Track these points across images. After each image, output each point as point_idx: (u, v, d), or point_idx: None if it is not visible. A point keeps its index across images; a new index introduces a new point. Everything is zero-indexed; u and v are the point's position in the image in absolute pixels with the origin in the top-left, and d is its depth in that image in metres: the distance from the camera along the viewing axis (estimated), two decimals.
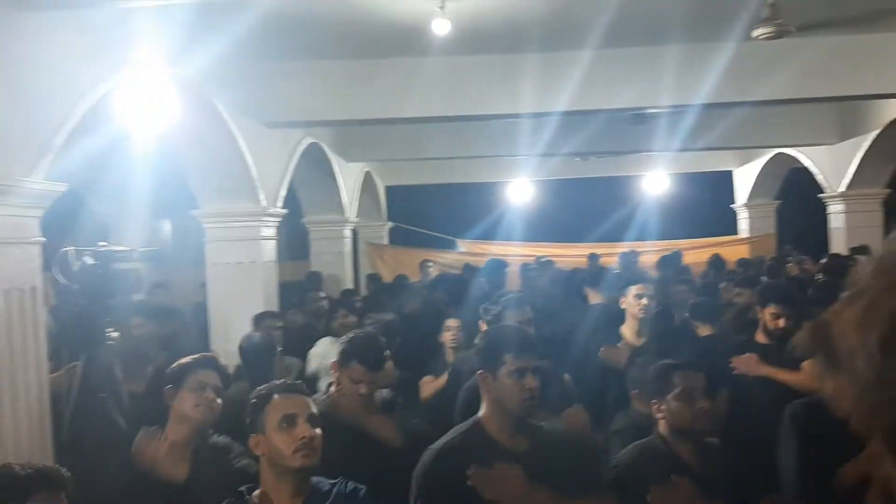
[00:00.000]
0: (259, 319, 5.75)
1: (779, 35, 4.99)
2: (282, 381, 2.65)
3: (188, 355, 3.26)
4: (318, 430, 2.45)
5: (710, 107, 7.27)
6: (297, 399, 2.50)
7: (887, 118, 8.45)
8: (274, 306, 7.14)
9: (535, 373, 2.51)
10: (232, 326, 6.31)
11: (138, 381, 4.00)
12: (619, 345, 4.55)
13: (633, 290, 4.67)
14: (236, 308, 6.43)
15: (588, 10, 5.58)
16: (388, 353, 3.70)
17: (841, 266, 7.25)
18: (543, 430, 2.63)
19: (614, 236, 12.81)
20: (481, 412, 2.59)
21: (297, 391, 2.56)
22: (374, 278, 10.15)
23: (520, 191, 13.49)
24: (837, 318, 0.41)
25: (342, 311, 6.13)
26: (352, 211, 10.30)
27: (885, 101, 8.29)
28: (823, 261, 8.17)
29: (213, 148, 6.42)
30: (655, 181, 13.56)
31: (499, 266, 8.08)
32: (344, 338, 3.41)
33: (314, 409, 2.51)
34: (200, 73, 5.61)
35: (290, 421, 2.41)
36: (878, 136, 8.77)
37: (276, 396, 2.48)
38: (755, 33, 5.05)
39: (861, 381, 0.40)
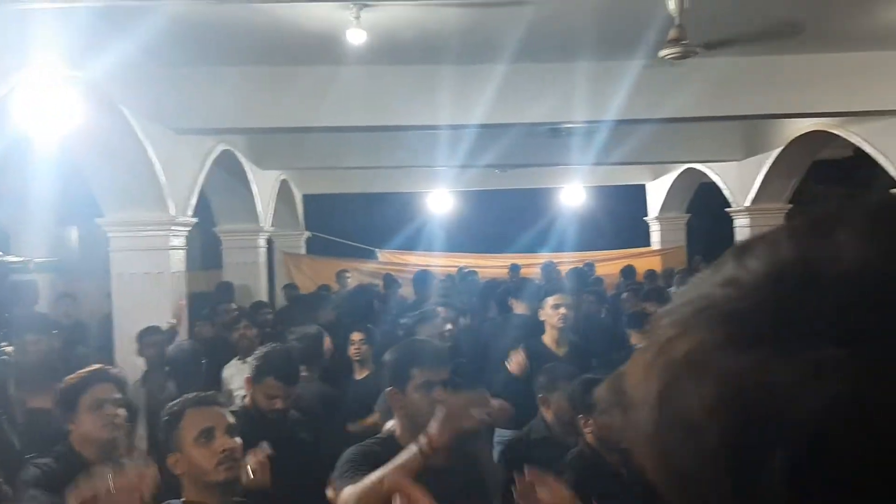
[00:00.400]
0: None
1: (684, 56, 5.14)
2: (193, 394, 2.54)
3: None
4: (239, 440, 2.38)
5: (622, 122, 7.46)
6: (211, 411, 2.41)
7: (789, 136, 8.83)
8: (183, 318, 6.95)
9: (444, 385, 2.49)
10: None
11: (43, 396, 3.81)
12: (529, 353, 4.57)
13: (551, 300, 4.71)
14: (143, 320, 6.21)
15: (502, 25, 5.65)
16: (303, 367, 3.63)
17: None
18: (461, 440, 2.61)
19: (534, 247, 13.01)
20: (396, 429, 2.55)
21: (210, 403, 2.47)
22: (290, 289, 9.99)
23: (440, 201, 13.53)
24: (630, 369, 0.41)
25: (244, 323, 6.00)
26: (267, 220, 10.12)
27: (787, 120, 8.66)
28: None
29: (118, 154, 6.20)
30: (572, 193, 13.82)
31: (426, 278, 8.08)
32: (258, 352, 3.35)
33: (231, 419, 2.43)
34: (106, 76, 5.43)
35: (207, 435, 2.33)
36: (781, 153, 9.16)
37: (189, 411, 2.39)
38: (662, 53, 5.20)
39: (641, 433, 0.40)
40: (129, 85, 5.85)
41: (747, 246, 0.42)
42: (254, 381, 3.18)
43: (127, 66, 5.48)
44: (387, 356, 2.67)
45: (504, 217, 14.04)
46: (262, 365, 3.18)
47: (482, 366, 4.72)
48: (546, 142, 9.36)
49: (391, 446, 2.45)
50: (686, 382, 0.38)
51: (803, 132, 8.47)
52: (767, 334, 0.36)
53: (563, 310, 4.64)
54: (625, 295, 7.67)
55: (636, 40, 5.68)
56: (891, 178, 7.31)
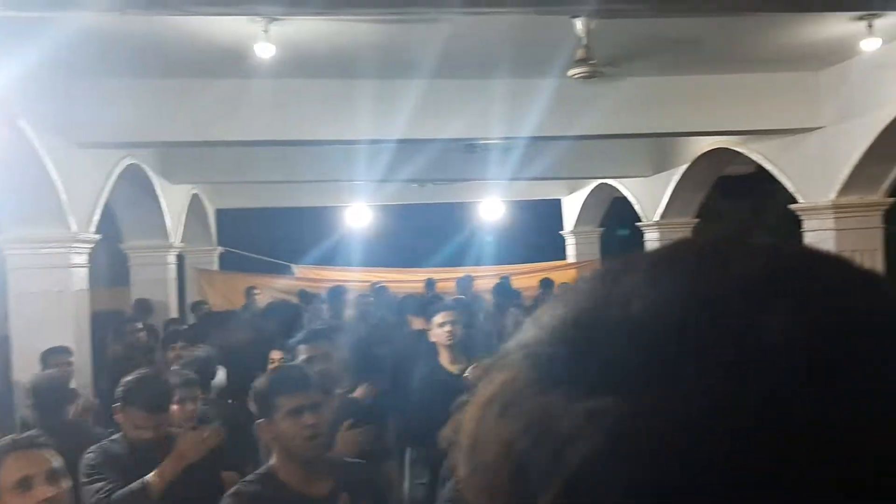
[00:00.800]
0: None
1: (591, 75, 5.27)
2: (10, 437, 2.40)
3: None
4: (65, 485, 2.26)
5: (537, 139, 7.58)
6: (32, 456, 2.28)
7: (694, 153, 9.14)
8: (85, 337, 6.67)
9: (313, 410, 2.42)
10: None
11: None
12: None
13: (437, 318, 4.50)
14: (43, 340, 5.93)
15: (417, 41, 5.67)
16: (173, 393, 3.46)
17: None
18: (348, 467, 2.57)
19: (452, 261, 13.05)
20: (272, 460, 2.47)
21: (33, 446, 2.32)
22: (199, 306, 9.72)
23: (358, 215, 13.44)
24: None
25: (181, 343, 5.85)
26: (177, 235, 9.84)
27: (693, 138, 8.97)
28: None
29: (15, 168, 5.92)
30: (491, 208, 13.95)
31: (339, 293, 7.97)
32: (123, 380, 3.19)
33: (55, 464, 2.29)
34: (2, 88, 5.18)
35: (24, 484, 2.21)
36: (687, 169, 9.48)
37: (9, 456, 2.26)
38: (570, 72, 5.32)
39: (461, 471, 0.41)
40: (28, 97, 5.61)
41: (563, 290, 0.43)
42: (119, 409, 3.05)
43: (27, 78, 5.26)
44: (252, 387, 2.61)
45: (423, 231, 14.06)
46: (125, 392, 3.05)
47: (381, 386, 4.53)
48: (463, 157, 9.43)
49: (271, 484, 2.38)
50: (491, 421, 0.39)
51: (708, 149, 8.79)
52: (562, 379, 0.37)
53: (449, 327, 4.42)
54: (511, 310, 7.82)
55: (549, 59, 5.79)
56: (788, 192, 7.64)
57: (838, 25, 5.67)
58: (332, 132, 6.96)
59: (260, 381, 2.58)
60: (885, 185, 6.93)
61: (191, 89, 6.42)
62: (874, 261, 7.07)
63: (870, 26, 5.53)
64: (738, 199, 13.29)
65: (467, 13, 4.43)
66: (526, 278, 11.80)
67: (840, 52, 6.29)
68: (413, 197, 12.75)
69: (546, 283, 10.44)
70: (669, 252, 0.41)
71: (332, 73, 6.48)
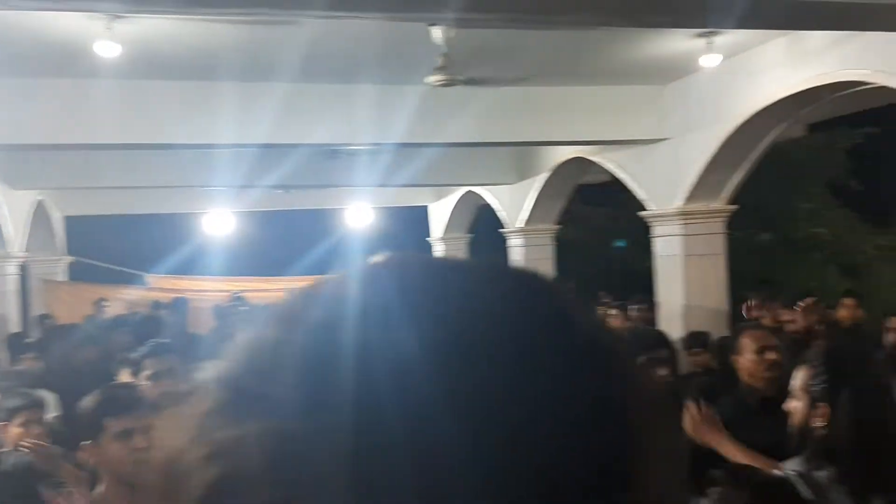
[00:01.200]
0: None
1: (450, 83, 5.31)
2: None
3: None
4: None
5: (403, 146, 7.58)
6: None
7: (555, 162, 9.42)
8: None
9: (143, 432, 2.28)
10: None
11: None
12: None
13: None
14: None
15: (277, 44, 5.53)
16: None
17: None
18: None
19: (319, 269, 12.84)
20: (100, 488, 2.32)
21: None
22: (44, 319, 9.10)
23: (219, 222, 12.98)
24: None
25: (32, 355, 5.51)
26: (19, 244, 9.17)
27: (552, 147, 9.25)
28: None
29: None
30: (358, 214, 13.86)
31: (181, 304, 7.64)
32: None
33: None
34: None
35: None
36: (549, 178, 9.76)
37: None
38: (428, 80, 5.34)
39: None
40: None
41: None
42: None
43: None
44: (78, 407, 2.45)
45: (288, 238, 13.77)
46: None
47: None
48: (329, 163, 9.31)
49: None
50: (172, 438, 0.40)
51: (566, 158, 9.08)
52: (221, 407, 0.38)
53: None
54: None
55: (413, 66, 5.79)
56: (639, 201, 8.00)
57: (680, 42, 5.99)
58: (189, 136, 6.68)
59: (86, 401, 2.40)
60: (727, 192, 7.37)
61: (32, 89, 6.00)
62: (717, 264, 7.52)
63: (709, 43, 5.88)
64: (597, 205, 13.83)
65: (320, 16, 4.35)
66: None
67: (683, 68, 6.64)
68: (278, 203, 12.46)
69: None
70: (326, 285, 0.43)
71: (189, 75, 6.22)
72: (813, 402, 2.07)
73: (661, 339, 3.74)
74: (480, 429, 0.35)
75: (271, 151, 7.90)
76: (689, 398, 4.60)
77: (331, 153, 8.97)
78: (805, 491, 1.84)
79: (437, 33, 5.00)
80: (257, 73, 6.18)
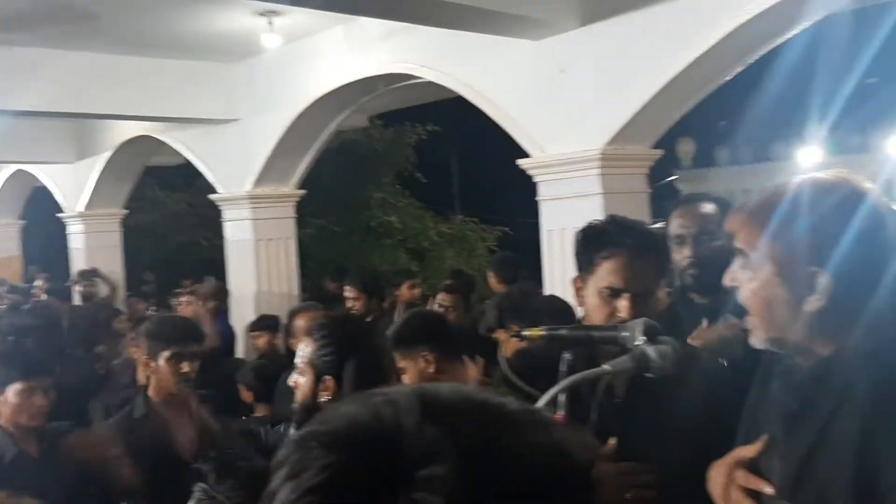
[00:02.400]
0: None
1: None
2: None
3: None
4: None
5: None
6: None
7: (118, 140, 8.62)
8: None
9: None
10: None
11: None
12: None
13: None
14: None
15: None
16: None
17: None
18: None
19: None
20: None
21: None
22: None
23: None
24: None
25: None
26: None
27: (117, 123, 8.44)
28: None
29: None
30: None
31: None
32: None
33: None
34: None
35: None
36: (112, 157, 8.88)
37: None
38: None
39: None
40: None
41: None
42: None
43: None
44: None
45: None
46: None
47: None
48: None
49: None
50: None
51: (132, 136, 8.36)
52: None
53: None
54: None
55: None
56: (209, 183, 7.68)
57: (243, 19, 5.80)
58: None
59: None
60: (296, 178, 7.40)
61: None
62: (288, 248, 7.53)
63: (270, 23, 5.77)
64: (175, 189, 13.14)
65: None
66: None
67: (248, 47, 6.46)
68: None
69: None
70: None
71: None
72: (319, 376, 2.00)
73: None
74: None
75: None
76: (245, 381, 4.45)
77: None
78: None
79: None
80: None
